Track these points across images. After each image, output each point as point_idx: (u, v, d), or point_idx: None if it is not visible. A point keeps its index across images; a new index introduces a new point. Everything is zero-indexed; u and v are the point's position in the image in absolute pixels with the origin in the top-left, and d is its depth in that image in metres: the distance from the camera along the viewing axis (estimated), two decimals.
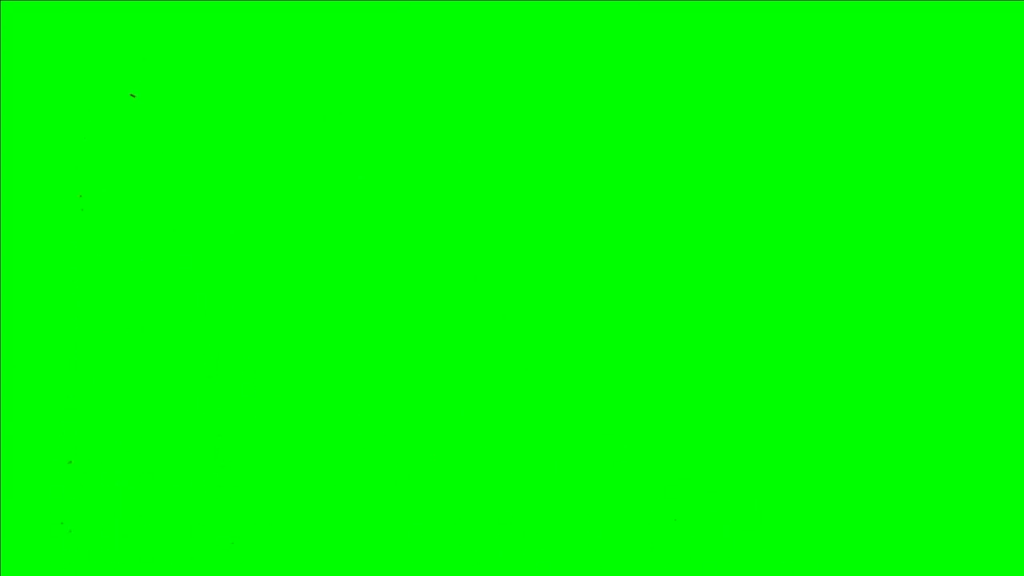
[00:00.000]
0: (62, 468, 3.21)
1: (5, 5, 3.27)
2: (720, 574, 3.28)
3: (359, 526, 3.26)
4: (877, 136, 3.38)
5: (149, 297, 3.27)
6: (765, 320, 3.33)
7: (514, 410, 3.29)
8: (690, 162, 3.36)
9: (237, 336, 3.28)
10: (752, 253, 3.35)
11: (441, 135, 3.36)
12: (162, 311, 3.27)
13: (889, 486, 3.31)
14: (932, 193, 3.37)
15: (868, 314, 3.34)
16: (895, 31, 3.39)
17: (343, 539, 3.26)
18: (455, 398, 3.30)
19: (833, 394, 3.32)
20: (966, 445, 3.31)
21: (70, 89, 3.30)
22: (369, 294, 3.31)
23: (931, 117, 3.39)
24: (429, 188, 3.34)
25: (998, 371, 3.32)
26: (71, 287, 3.26)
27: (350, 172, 3.33)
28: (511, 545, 3.27)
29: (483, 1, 3.36)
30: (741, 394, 3.32)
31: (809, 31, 3.39)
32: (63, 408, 3.23)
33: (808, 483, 3.30)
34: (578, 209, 3.34)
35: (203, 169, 3.30)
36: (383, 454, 3.28)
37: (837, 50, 3.38)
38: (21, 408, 3.22)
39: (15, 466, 3.20)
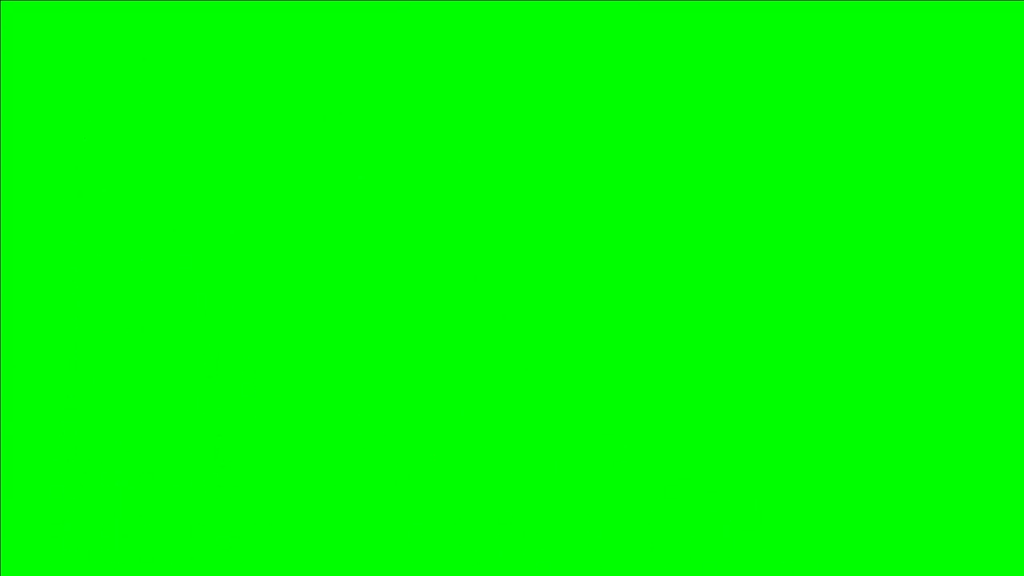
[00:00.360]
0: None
1: (5, 5, 3.27)
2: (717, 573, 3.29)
3: (353, 526, 3.27)
4: (877, 136, 3.39)
5: (147, 296, 3.29)
6: (764, 320, 3.34)
7: (513, 410, 3.30)
8: (689, 162, 3.37)
9: (237, 339, 3.29)
10: (752, 253, 3.36)
11: (441, 134, 3.36)
12: (158, 310, 3.28)
13: (888, 487, 3.32)
14: (932, 193, 3.38)
15: (867, 314, 3.35)
16: (895, 31, 3.40)
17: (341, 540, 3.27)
18: (453, 398, 3.31)
19: (832, 394, 3.33)
20: (965, 445, 3.32)
21: (70, 89, 3.30)
22: (370, 306, 3.31)
23: (931, 117, 3.40)
24: (430, 187, 3.35)
25: (998, 371, 3.33)
26: (70, 283, 3.27)
27: (352, 180, 3.34)
28: (509, 544, 3.28)
29: (483, 1, 3.37)
30: (741, 394, 3.33)
31: (809, 31, 3.39)
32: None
33: (806, 484, 3.31)
34: (578, 209, 3.35)
35: (203, 166, 3.31)
36: (378, 455, 3.29)
37: (837, 50, 3.39)
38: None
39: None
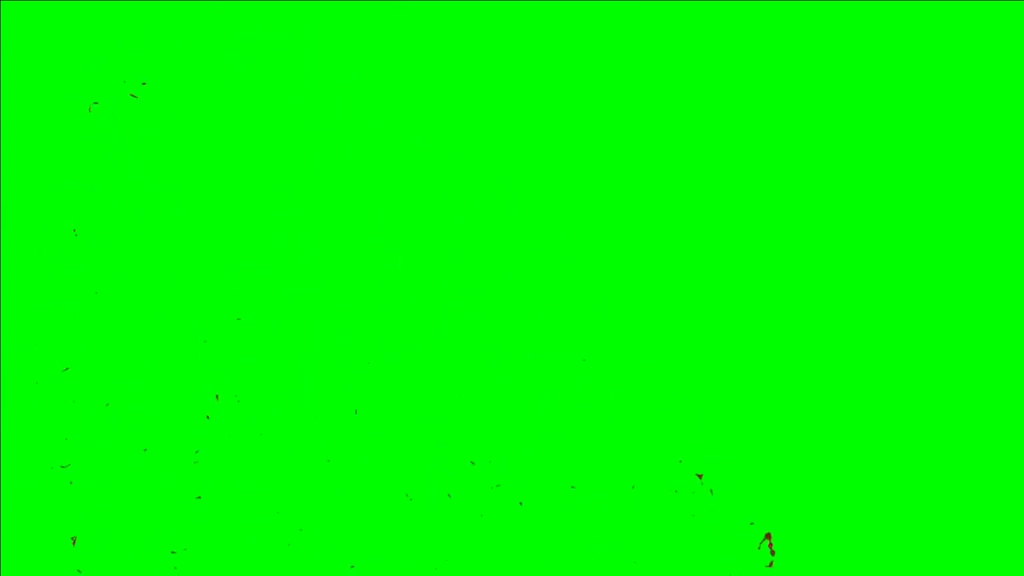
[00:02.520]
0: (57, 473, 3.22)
1: (5, 5, 3.28)
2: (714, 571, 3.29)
3: (350, 519, 3.26)
4: (877, 136, 3.39)
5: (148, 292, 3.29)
6: (762, 321, 3.34)
7: (509, 407, 3.30)
8: (688, 163, 3.37)
9: (239, 331, 3.29)
10: (750, 255, 3.35)
11: (440, 133, 3.36)
12: (159, 302, 3.28)
13: (888, 488, 3.31)
14: (931, 194, 3.38)
15: (866, 316, 3.34)
16: (895, 31, 3.40)
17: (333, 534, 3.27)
18: (449, 396, 3.31)
19: (831, 396, 3.32)
20: (965, 445, 3.32)
21: (70, 88, 3.31)
22: (373, 297, 3.31)
23: (931, 117, 3.39)
24: (432, 185, 3.35)
25: (998, 371, 3.33)
26: (69, 281, 3.27)
27: (351, 176, 3.34)
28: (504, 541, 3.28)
29: (483, 1, 3.37)
30: (739, 395, 3.32)
31: (809, 31, 3.40)
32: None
33: (804, 482, 3.31)
34: (576, 209, 3.35)
35: (204, 167, 3.31)
36: (375, 453, 3.28)
37: (837, 50, 3.39)
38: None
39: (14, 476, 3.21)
